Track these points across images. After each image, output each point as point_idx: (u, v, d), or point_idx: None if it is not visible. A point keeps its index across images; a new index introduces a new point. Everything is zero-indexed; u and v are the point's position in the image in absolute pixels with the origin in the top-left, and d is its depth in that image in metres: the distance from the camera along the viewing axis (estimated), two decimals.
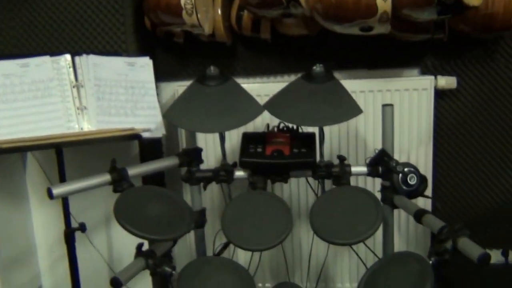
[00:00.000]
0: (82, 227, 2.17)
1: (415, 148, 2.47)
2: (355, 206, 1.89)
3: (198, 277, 1.75)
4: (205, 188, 2.12)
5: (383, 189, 2.07)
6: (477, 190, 2.58)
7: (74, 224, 2.15)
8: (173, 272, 1.78)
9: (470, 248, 1.41)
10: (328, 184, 2.27)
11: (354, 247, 2.55)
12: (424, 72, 2.51)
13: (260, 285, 2.71)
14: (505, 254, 2.45)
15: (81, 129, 2.05)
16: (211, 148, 2.54)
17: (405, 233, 2.57)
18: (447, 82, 2.43)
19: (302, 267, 2.69)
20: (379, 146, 2.10)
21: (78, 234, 2.15)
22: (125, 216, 1.71)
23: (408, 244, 2.56)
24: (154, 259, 1.78)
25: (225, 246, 2.24)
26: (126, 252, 2.51)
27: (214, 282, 1.76)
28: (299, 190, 2.59)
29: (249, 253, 2.42)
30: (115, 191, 1.87)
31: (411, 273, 1.52)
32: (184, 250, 2.78)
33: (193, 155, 2.11)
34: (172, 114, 2.03)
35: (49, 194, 1.73)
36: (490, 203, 2.59)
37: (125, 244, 2.50)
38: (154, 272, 1.78)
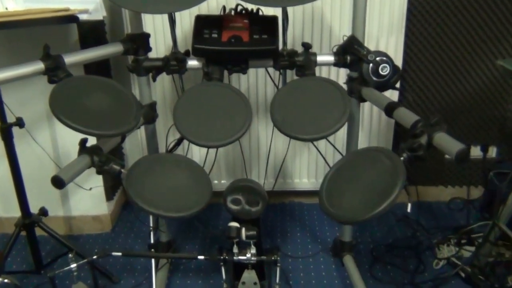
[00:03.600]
0: (20, 122, 1.96)
1: (385, 36, 2.30)
2: (320, 98, 1.74)
3: (149, 175, 1.60)
4: (154, 79, 1.91)
5: (350, 80, 1.92)
6: (446, 83, 2.47)
7: (12, 119, 1.94)
8: (122, 170, 1.62)
9: (448, 143, 1.28)
10: (290, 75, 2.11)
11: (315, 142, 2.45)
12: None
13: (215, 182, 2.61)
14: (484, 149, 2.40)
15: (6, 9, 1.76)
16: (160, 34, 2.30)
17: (368, 129, 2.47)
18: None
19: (260, 163, 2.59)
20: (346, 33, 1.92)
21: (19, 131, 1.94)
22: (63, 109, 1.50)
23: (370, 140, 2.47)
24: (99, 156, 1.61)
25: (179, 142, 2.08)
26: (73, 148, 2.33)
27: (166, 180, 1.61)
28: (257, 82, 2.42)
29: (204, 149, 2.29)
30: (50, 81, 1.64)
31: (381, 170, 1.41)
32: (135, 147, 2.62)
33: (140, 41, 1.87)
34: None
35: None
36: (459, 99, 2.50)
37: (71, 140, 2.31)
38: (101, 170, 1.61)
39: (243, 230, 1.79)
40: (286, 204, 2.75)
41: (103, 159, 1.60)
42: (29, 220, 2.08)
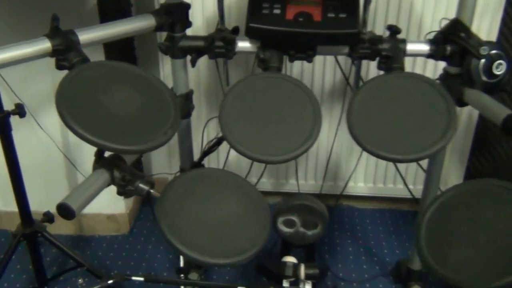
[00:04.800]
0: (20, 110, 1.55)
1: (478, 18, 1.83)
2: (414, 104, 1.31)
3: (189, 201, 1.20)
4: (193, 64, 1.47)
5: (447, 77, 1.47)
6: None
7: (10, 106, 1.53)
8: (151, 191, 1.21)
9: None
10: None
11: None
12: None
13: (254, 179, 2.20)
14: None
15: None
16: (199, 6, 1.85)
17: None
18: None
19: (308, 161, 2.17)
20: (442, 15, 1.47)
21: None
22: (75, 110, 1.09)
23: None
24: (122, 172, 1.21)
25: (219, 142, 1.67)
26: None
27: (211, 209, 1.20)
28: (324, 73, 1.97)
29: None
30: (59, 67, 1.22)
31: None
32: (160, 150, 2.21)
33: (177, 13, 1.43)
34: None
35: None
36: None
37: None
38: (123, 191, 1.21)
39: (302, 268, 1.40)
40: (333, 208, 2.35)
41: (128, 176, 1.19)
42: (31, 230, 1.69)
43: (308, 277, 1.39)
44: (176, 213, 1.15)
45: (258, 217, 1.21)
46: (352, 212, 2.32)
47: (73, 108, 1.08)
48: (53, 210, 1.96)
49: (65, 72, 1.18)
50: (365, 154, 2.09)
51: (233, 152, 1.96)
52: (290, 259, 1.41)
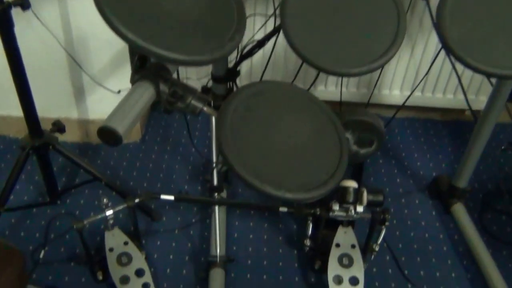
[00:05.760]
0: (23, 1, 1.28)
1: None
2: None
3: (255, 121, 0.99)
4: None
5: None
6: None
7: None
8: (205, 108, 1.00)
9: None
10: None
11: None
12: None
13: None
14: None
15: None
16: None
17: None
18: None
19: None
20: None
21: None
22: (119, 6, 0.84)
23: None
24: (171, 85, 0.98)
25: (260, 44, 1.43)
26: (90, 31, 1.66)
27: (282, 133, 1.00)
28: None
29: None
30: None
31: None
32: None
33: None
34: None
35: None
36: None
37: (89, 20, 1.63)
38: (172, 108, 1.00)
39: (365, 194, 1.25)
40: None
41: (180, 91, 0.97)
42: (41, 142, 1.48)
43: (370, 203, 1.25)
44: (240, 139, 0.95)
45: (332, 142, 1.02)
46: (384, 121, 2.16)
47: (117, 6, 0.83)
48: (58, 116, 1.77)
49: None
50: (405, 55, 1.90)
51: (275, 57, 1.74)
52: (351, 184, 1.26)
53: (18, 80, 1.38)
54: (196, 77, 1.95)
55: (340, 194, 1.27)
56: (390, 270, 1.57)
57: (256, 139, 0.96)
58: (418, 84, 1.89)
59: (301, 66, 1.68)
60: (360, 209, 1.35)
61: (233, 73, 1.43)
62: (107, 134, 0.87)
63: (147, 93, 0.96)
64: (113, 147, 0.91)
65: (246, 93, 1.01)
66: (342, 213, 1.36)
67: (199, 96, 1.00)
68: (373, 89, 1.92)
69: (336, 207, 1.35)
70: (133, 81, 0.99)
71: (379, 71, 1.88)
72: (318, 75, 1.65)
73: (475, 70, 1.03)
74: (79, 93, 1.84)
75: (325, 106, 1.06)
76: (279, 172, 0.94)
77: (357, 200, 1.27)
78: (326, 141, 1.01)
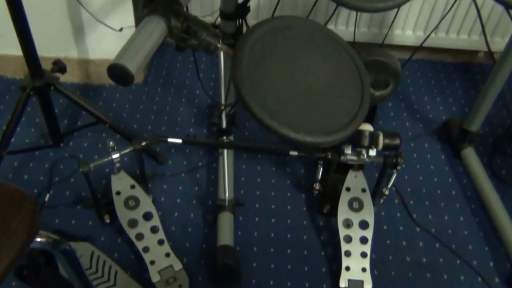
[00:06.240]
0: None
1: None
2: None
3: (272, 61, 0.94)
4: None
5: None
6: None
7: None
8: (218, 45, 0.95)
9: None
10: None
11: None
12: None
13: None
14: None
15: None
16: None
17: None
18: None
19: None
20: None
21: None
22: None
23: None
24: (183, 20, 0.92)
25: None
26: None
27: (301, 71, 0.95)
28: None
29: None
30: None
31: None
32: None
33: None
34: None
35: None
36: None
37: None
38: (185, 45, 0.94)
39: (381, 138, 1.21)
40: None
41: (194, 27, 0.91)
42: (42, 82, 1.42)
43: (386, 147, 1.21)
44: (258, 79, 0.90)
45: (353, 83, 0.97)
46: None
47: None
48: (57, 56, 1.69)
49: None
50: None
51: None
52: (367, 127, 1.22)
53: (17, 17, 1.30)
54: (200, 14, 1.86)
55: (355, 138, 1.23)
56: (398, 214, 1.57)
57: (274, 79, 0.92)
58: (438, 25, 1.80)
59: (316, 1, 1.59)
60: (372, 153, 1.32)
61: (243, 9, 1.35)
62: (117, 72, 0.82)
63: (158, 28, 0.90)
64: (124, 86, 0.86)
65: (263, 29, 0.95)
66: (354, 157, 1.34)
67: (213, 32, 0.94)
68: (389, 29, 1.85)
69: (348, 151, 1.32)
70: (142, 16, 0.93)
71: (394, 10, 1.79)
72: (336, 9, 1.56)
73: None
74: (79, 31, 1.76)
75: (346, 44, 1.00)
76: (298, 114, 0.90)
77: (372, 144, 1.23)
78: (347, 81, 0.96)
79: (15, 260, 0.73)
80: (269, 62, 0.93)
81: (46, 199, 1.50)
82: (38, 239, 0.82)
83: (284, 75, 0.93)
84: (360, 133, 1.22)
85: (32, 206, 0.78)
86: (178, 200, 1.55)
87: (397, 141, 1.23)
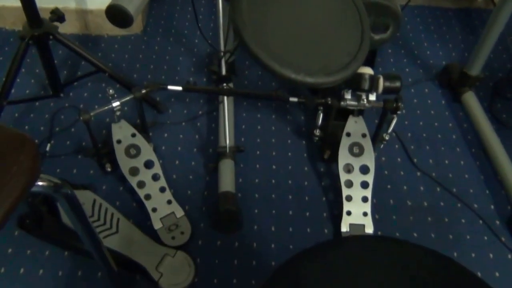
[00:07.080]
0: None
1: None
2: None
3: (271, 3, 0.92)
4: None
5: None
6: None
7: None
8: None
9: None
10: None
11: None
12: None
13: None
14: None
15: None
16: None
17: None
18: None
19: None
20: None
21: None
22: None
23: None
24: None
25: None
26: None
27: (300, 14, 0.94)
28: None
29: None
30: None
31: None
32: None
33: None
34: None
35: None
36: None
37: None
38: None
39: (381, 81, 1.21)
40: None
41: None
42: (40, 31, 1.41)
43: (387, 90, 1.21)
44: (259, 22, 0.89)
45: (353, 22, 0.96)
46: None
47: None
48: (55, 6, 1.66)
49: None
50: None
51: None
52: (367, 70, 1.22)
53: None
54: None
55: (354, 81, 1.23)
56: (399, 159, 1.58)
57: (274, 21, 0.91)
58: None
59: None
60: (372, 97, 1.32)
61: None
62: (116, 13, 0.81)
63: None
64: (123, 27, 0.85)
65: None
66: (354, 102, 1.34)
67: None
68: None
69: (348, 95, 1.32)
70: None
71: None
72: None
73: None
74: None
75: None
76: (299, 54, 0.89)
77: (372, 87, 1.23)
78: (347, 21, 0.95)
79: (16, 203, 0.72)
80: (269, 3, 0.91)
81: (47, 149, 1.51)
82: (40, 183, 0.81)
83: (284, 17, 0.92)
84: (360, 76, 1.21)
85: (33, 149, 0.77)
86: (179, 148, 1.56)
87: (397, 84, 1.22)
